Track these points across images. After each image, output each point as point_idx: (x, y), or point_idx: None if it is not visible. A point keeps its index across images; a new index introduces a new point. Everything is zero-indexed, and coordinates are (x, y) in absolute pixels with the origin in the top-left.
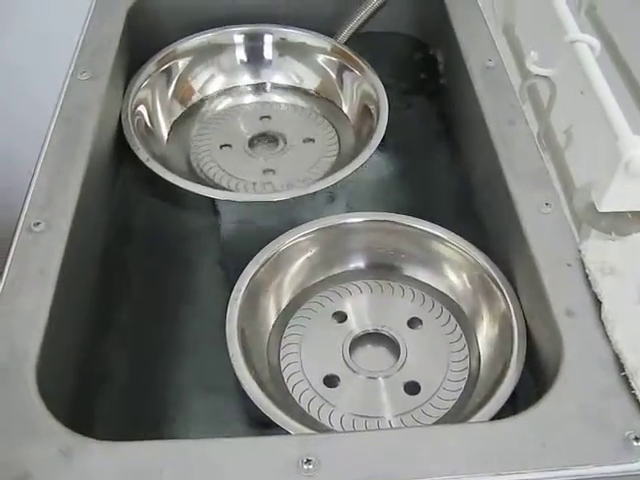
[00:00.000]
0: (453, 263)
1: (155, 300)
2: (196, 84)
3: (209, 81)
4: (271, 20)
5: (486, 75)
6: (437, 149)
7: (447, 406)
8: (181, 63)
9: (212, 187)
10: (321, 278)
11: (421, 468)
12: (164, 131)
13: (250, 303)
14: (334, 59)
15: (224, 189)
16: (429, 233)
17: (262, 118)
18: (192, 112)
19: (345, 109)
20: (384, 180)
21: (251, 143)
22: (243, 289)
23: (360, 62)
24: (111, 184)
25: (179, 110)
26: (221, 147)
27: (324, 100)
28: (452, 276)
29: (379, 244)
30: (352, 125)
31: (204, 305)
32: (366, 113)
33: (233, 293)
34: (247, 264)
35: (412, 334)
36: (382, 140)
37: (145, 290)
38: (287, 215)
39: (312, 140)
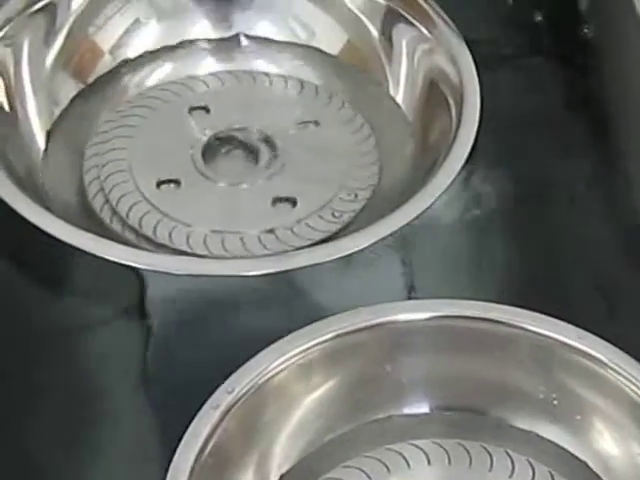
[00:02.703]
0: (621, 415)
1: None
2: (105, 38)
3: (131, 32)
4: None
5: None
6: (576, 163)
7: None
8: None
9: (136, 244)
10: (347, 429)
11: None
12: (39, 128)
13: None
14: (378, 0)
15: (172, 250)
16: (571, 348)
17: (228, 106)
18: (95, 92)
19: (396, 94)
20: (475, 229)
21: (209, 153)
22: (189, 465)
23: (426, 6)
24: None
25: (71, 88)
26: (161, 184)
27: (354, 73)
28: (615, 443)
29: (464, 367)
30: (409, 122)
31: None
32: (437, 102)
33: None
34: (198, 409)
35: None
36: (470, 155)
37: None
38: (276, 303)
39: (316, 123)
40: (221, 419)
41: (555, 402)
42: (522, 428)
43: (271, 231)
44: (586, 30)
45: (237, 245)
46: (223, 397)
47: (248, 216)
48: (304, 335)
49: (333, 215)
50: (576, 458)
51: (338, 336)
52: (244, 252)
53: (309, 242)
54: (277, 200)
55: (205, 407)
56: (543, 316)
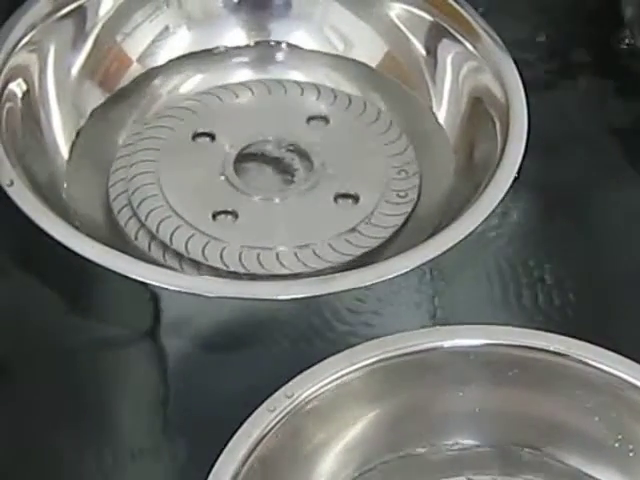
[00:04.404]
0: None
1: None
2: (133, 46)
3: (161, 40)
4: None
5: None
6: (628, 186)
7: None
8: (105, 2)
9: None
10: (384, 460)
11: None
12: (63, 138)
13: None
14: (423, 14)
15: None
16: (629, 385)
17: (261, 115)
18: (122, 101)
19: (438, 111)
20: (522, 253)
21: (240, 167)
22: (236, 465)
23: (472, 21)
24: None
25: (97, 97)
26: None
27: (395, 87)
28: None
29: (511, 400)
30: (451, 141)
31: None
32: (482, 122)
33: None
34: (229, 438)
35: None
36: (516, 178)
37: None
38: (306, 325)
39: (349, 133)
40: (277, 423)
41: (631, 454)
42: (579, 470)
43: (353, 230)
44: (631, 41)
45: (327, 251)
46: (281, 400)
47: (323, 223)
48: (324, 369)
49: (399, 196)
50: None
51: (366, 367)
52: (335, 257)
53: (394, 229)
54: (339, 197)
55: (260, 409)
56: (603, 350)
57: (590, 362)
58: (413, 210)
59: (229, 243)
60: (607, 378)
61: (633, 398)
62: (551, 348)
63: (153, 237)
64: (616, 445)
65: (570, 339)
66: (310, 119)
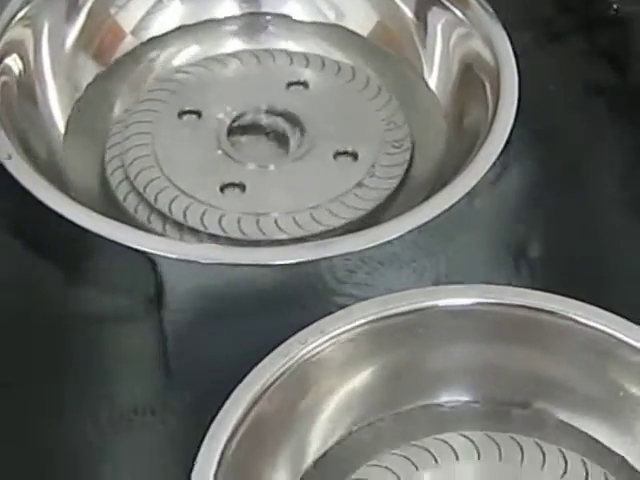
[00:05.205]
0: None
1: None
2: (127, 19)
3: (153, 13)
4: None
5: None
6: (617, 147)
7: None
8: None
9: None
10: (379, 417)
11: None
12: (59, 111)
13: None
14: None
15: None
16: (621, 342)
17: (244, 85)
18: (117, 74)
19: (430, 79)
20: (514, 215)
21: (234, 139)
22: (219, 450)
23: None
24: None
25: (92, 70)
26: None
27: (386, 56)
28: None
29: (504, 358)
30: (443, 107)
31: None
32: (473, 90)
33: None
34: (227, 396)
35: None
36: (507, 141)
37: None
38: (305, 289)
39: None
40: (289, 368)
41: (622, 404)
42: (560, 419)
43: (360, 184)
44: (619, 6)
45: (341, 208)
46: (294, 347)
47: (330, 183)
48: (322, 327)
49: (394, 147)
50: (625, 464)
51: (361, 326)
52: (349, 213)
53: (399, 178)
54: (338, 155)
55: (273, 354)
56: (595, 308)
57: (583, 320)
58: (411, 159)
59: (243, 213)
60: (600, 336)
61: (625, 356)
62: (544, 306)
63: (166, 218)
64: (607, 400)
65: (563, 298)
66: (291, 85)
